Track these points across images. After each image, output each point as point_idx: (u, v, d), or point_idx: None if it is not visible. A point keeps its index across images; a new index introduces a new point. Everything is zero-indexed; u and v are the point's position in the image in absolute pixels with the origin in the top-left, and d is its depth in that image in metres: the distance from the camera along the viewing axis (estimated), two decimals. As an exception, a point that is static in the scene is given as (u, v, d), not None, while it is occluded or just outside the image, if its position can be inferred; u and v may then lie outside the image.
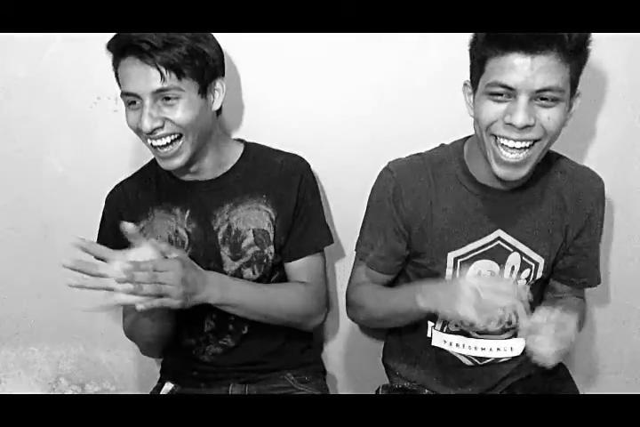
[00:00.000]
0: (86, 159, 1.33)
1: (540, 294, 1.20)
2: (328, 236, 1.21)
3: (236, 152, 1.17)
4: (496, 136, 0.96)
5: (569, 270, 1.17)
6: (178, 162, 1.07)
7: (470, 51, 0.98)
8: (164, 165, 1.08)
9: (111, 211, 1.19)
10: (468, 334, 1.14)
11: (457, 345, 1.15)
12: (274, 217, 1.14)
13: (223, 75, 1.10)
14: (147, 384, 1.36)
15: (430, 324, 1.16)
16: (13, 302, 1.47)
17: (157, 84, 1.00)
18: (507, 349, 1.16)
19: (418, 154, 1.13)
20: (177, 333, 1.19)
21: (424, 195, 1.08)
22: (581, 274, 1.18)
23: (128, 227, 0.97)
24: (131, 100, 1.04)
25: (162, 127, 1.03)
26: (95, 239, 1.20)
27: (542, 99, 0.92)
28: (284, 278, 1.21)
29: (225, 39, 1.09)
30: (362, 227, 1.17)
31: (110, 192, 1.20)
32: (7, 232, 1.41)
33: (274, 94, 1.28)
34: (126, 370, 1.49)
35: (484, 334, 1.14)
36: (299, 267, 1.18)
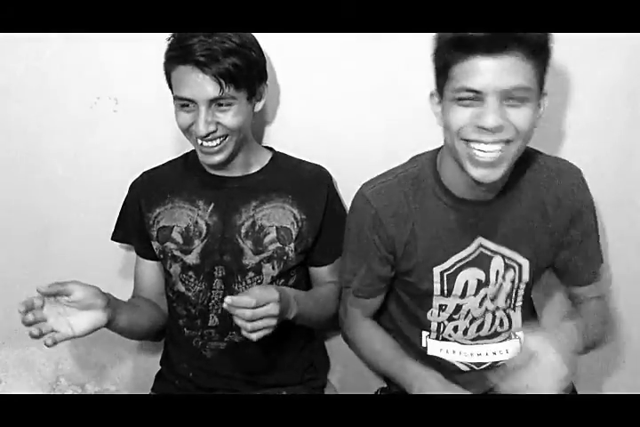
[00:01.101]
0: (86, 159, 1.33)
1: (529, 299, 1.20)
2: None
3: (266, 156, 1.24)
4: (468, 141, 0.94)
5: (569, 268, 1.15)
6: (220, 157, 1.12)
7: (433, 58, 0.97)
8: (207, 159, 1.13)
9: (131, 197, 1.24)
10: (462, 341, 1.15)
11: (453, 352, 1.15)
12: (298, 217, 1.19)
13: (267, 78, 1.16)
14: (147, 384, 1.36)
15: (424, 333, 1.16)
16: (13, 302, 1.47)
17: (215, 93, 1.05)
18: (502, 352, 1.16)
19: (391, 172, 1.11)
20: (180, 324, 1.22)
21: (404, 216, 1.08)
22: (583, 269, 1.15)
23: (42, 289, 1.03)
24: (184, 103, 1.08)
25: (215, 131, 1.08)
26: (109, 232, 1.28)
27: (511, 99, 0.91)
28: (301, 280, 1.25)
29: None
30: (343, 253, 1.17)
31: (135, 180, 1.25)
32: (8, 232, 1.41)
33: (272, 95, 1.28)
34: (126, 370, 1.49)
35: (477, 339, 1.15)
36: (327, 271, 1.26)
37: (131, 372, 1.49)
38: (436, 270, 1.09)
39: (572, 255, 1.14)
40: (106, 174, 1.34)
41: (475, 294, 1.11)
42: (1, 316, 1.48)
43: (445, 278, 1.09)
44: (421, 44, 1.19)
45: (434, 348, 1.16)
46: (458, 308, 1.12)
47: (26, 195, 1.37)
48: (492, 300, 1.12)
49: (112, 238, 1.29)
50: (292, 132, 1.30)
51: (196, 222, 1.18)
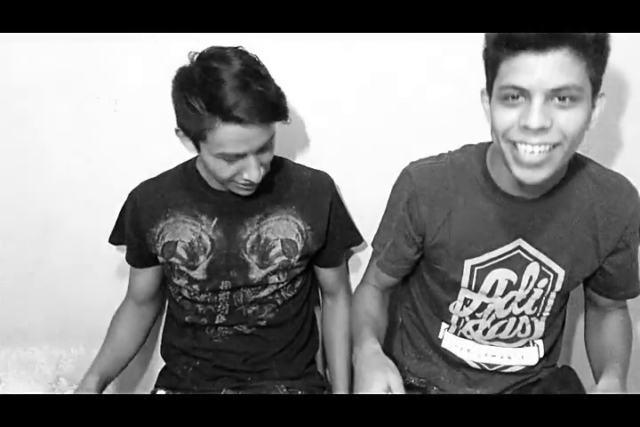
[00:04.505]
0: (86, 159, 1.33)
1: (561, 306, 1.16)
2: (358, 238, 1.31)
3: None
4: (514, 142, 0.90)
5: (608, 285, 1.13)
6: (253, 190, 1.12)
7: (483, 56, 0.94)
8: (239, 192, 1.11)
9: (130, 209, 1.22)
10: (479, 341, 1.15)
11: (467, 351, 1.15)
12: (303, 229, 1.19)
13: None
14: (147, 384, 1.36)
15: (444, 325, 1.16)
16: (13, 301, 1.47)
17: (261, 142, 1.02)
18: (517, 357, 1.15)
19: (440, 156, 1.09)
20: (187, 321, 1.23)
21: (442, 201, 1.05)
22: (621, 288, 1.13)
23: None
24: (230, 158, 1.03)
25: (262, 174, 1.08)
26: (109, 233, 1.29)
27: (560, 99, 0.85)
28: (306, 283, 1.28)
29: (228, 39, 1.09)
30: (380, 224, 1.16)
31: (134, 189, 1.23)
32: (7, 233, 1.41)
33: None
34: (126, 370, 1.48)
35: (495, 340, 1.14)
36: (333, 272, 1.31)
37: (131, 372, 1.49)
38: (468, 263, 1.06)
39: (610, 275, 1.10)
40: (106, 174, 1.34)
41: (502, 295, 1.09)
42: (1, 316, 1.48)
43: (476, 273, 1.07)
44: (430, 48, 1.21)
45: (449, 342, 1.16)
46: (483, 306, 1.10)
47: (25, 195, 1.37)
48: (520, 304, 1.10)
49: (109, 241, 1.30)
50: (295, 136, 1.29)
51: (200, 237, 1.17)
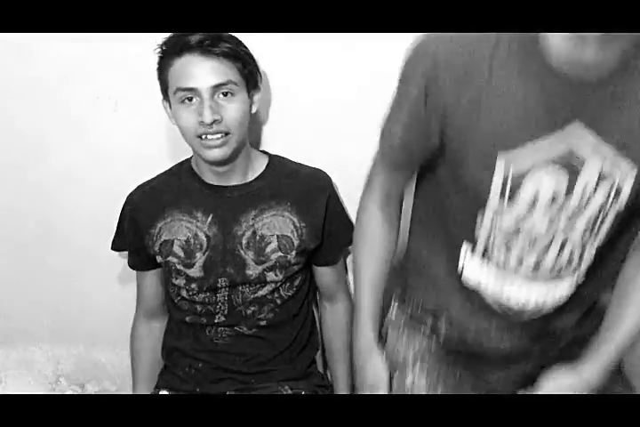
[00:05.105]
0: (86, 159, 1.33)
1: (623, 231, 0.87)
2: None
3: (262, 162, 1.22)
4: None
5: None
6: (222, 152, 1.10)
7: None
8: (208, 154, 1.10)
9: (128, 214, 1.23)
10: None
11: (490, 288, 0.92)
12: (298, 225, 1.18)
13: (261, 77, 1.17)
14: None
15: (465, 247, 0.89)
16: (13, 301, 1.48)
17: (219, 80, 1.05)
18: (553, 296, 0.90)
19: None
20: (187, 321, 1.24)
21: (472, 77, 0.78)
22: None
23: None
24: (185, 96, 1.07)
25: (220, 121, 1.07)
26: (111, 239, 1.28)
27: None
28: (306, 280, 1.27)
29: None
30: (388, 116, 0.93)
31: (131, 193, 1.24)
32: (7, 232, 1.41)
33: (268, 97, 1.28)
34: (126, 370, 1.48)
35: (533, 275, 0.88)
36: (330, 270, 1.29)
37: (131, 372, 1.49)
38: (502, 158, 0.79)
39: None
40: (105, 175, 1.34)
41: (545, 209, 0.82)
42: (1, 316, 1.49)
43: (511, 174, 0.79)
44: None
45: (470, 271, 0.92)
46: (518, 224, 0.84)
47: (26, 195, 1.37)
48: (569, 222, 0.83)
49: (112, 248, 1.30)
50: (290, 134, 1.29)
51: (196, 235, 1.17)
